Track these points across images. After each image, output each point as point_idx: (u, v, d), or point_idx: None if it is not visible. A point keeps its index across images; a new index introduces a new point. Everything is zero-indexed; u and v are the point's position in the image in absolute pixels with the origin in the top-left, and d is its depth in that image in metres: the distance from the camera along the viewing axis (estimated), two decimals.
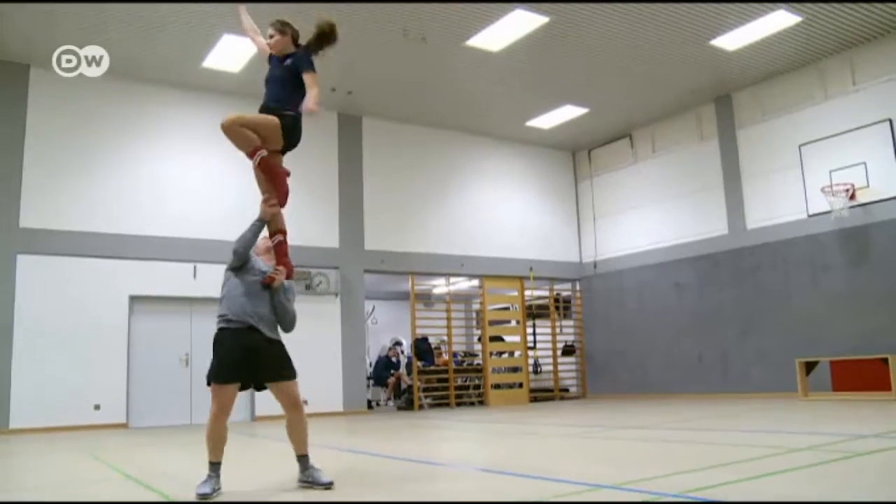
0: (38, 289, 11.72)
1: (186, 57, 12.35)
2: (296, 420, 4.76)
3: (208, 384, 4.63)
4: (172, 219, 12.94)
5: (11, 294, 11.54)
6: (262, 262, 4.94)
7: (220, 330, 4.72)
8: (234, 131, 4.79)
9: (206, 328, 12.90)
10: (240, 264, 4.81)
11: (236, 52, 12.04)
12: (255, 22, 5.55)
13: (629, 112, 15.79)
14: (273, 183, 4.97)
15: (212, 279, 12.80)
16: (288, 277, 4.92)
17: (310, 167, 13.50)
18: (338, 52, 5.13)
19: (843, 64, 12.85)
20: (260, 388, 4.80)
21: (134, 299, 12.56)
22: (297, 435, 4.77)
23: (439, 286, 17.34)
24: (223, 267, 4.86)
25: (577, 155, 18.25)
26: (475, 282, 17.00)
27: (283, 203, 5.02)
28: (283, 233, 5.08)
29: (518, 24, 11.57)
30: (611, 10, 11.17)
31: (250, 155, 4.85)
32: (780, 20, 11.60)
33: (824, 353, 12.30)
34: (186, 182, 13.23)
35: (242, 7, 5.65)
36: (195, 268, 12.88)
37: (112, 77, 12.63)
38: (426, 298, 18.04)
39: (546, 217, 17.67)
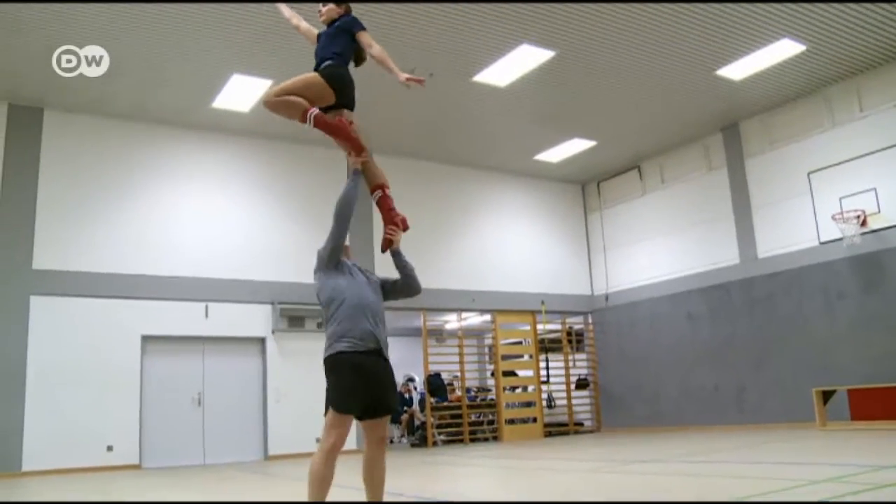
0: (51, 330, 11.77)
1: (196, 98, 12.52)
2: (381, 458, 4.13)
3: (325, 413, 3.96)
4: (184, 259, 12.98)
5: (24, 335, 11.59)
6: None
7: (340, 353, 4.02)
8: (276, 104, 4.57)
9: (218, 367, 13.07)
10: (346, 232, 4.18)
11: (245, 92, 12.20)
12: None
13: (637, 144, 15.84)
14: (337, 137, 4.57)
15: (224, 318, 12.91)
16: (404, 229, 4.49)
17: (316, 202, 13.46)
18: None
19: (849, 91, 12.89)
20: (362, 417, 4.11)
21: (146, 339, 12.57)
22: (381, 476, 4.12)
23: (451, 322, 17.28)
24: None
25: (587, 187, 18.29)
26: (487, 317, 16.94)
27: (358, 150, 4.52)
28: (383, 186, 4.64)
29: (525, 59, 11.69)
30: (616, 41, 11.27)
31: (302, 119, 4.55)
32: (785, 49, 11.66)
33: (841, 381, 12.14)
34: (197, 222, 13.31)
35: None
36: (207, 307, 12.87)
37: (123, 119, 12.89)
38: (438, 334, 17.97)
39: (556, 250, 17.65)
